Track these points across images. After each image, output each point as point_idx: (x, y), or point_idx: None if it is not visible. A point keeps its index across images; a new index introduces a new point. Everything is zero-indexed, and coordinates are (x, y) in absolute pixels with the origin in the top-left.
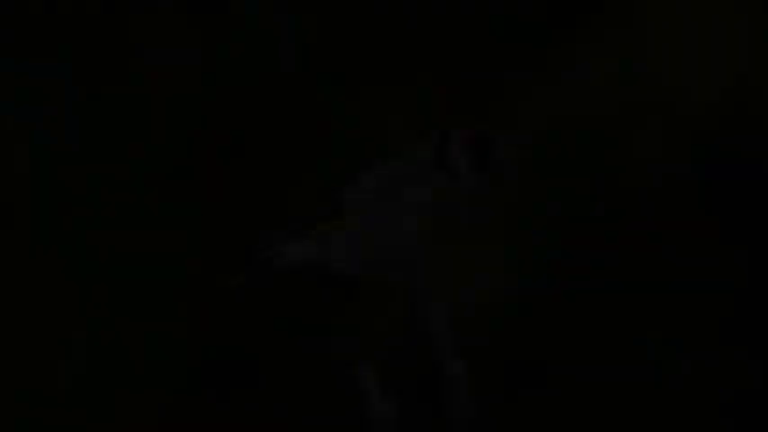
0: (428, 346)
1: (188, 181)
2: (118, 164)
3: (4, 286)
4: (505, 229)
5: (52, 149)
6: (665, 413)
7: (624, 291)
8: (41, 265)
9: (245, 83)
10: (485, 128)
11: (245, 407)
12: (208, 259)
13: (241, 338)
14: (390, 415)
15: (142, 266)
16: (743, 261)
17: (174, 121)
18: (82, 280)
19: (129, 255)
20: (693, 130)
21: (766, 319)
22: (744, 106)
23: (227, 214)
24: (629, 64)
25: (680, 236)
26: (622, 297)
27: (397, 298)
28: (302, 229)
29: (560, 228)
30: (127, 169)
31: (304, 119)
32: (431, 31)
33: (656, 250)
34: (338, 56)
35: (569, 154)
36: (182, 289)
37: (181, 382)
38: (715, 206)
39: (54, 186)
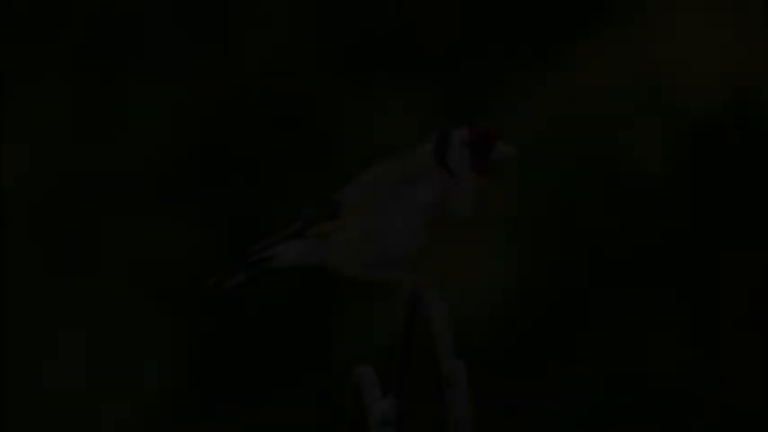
0: (428, 346)
1: (186, 181)
2: (116, 163)
3: (2, 285)
4: (505, 229)
5: (51, 149)
6: (666, 412)
7: (624, 290)
8: (40, 265)
9: (245, 82)
10: (485, 128)
11: (243, 407)
12: (206, 260)
13: (239, 339)
14: (390, 415)
15: (141, 266)
16: (743, 260)
17: (173, 119)
18: (81, 279)
19: (127, 255)
20: (693, 129)
21: (766, 318)
22: (744, 105)
23: (226, 214)
24: (629, 64)
25: (679, 235)
26: (622, 296)
27: (397, 298)
28: (302, 229)
29: (560, 227)
30: (125, 168)
31: (304, 118)
32: (431, 31)
33: (655, 249)
34: (338, 55)
35: (569, 153)
36: (179, 289)
37: (178, 382)
38: (715, 206)
39: (53, 185)
